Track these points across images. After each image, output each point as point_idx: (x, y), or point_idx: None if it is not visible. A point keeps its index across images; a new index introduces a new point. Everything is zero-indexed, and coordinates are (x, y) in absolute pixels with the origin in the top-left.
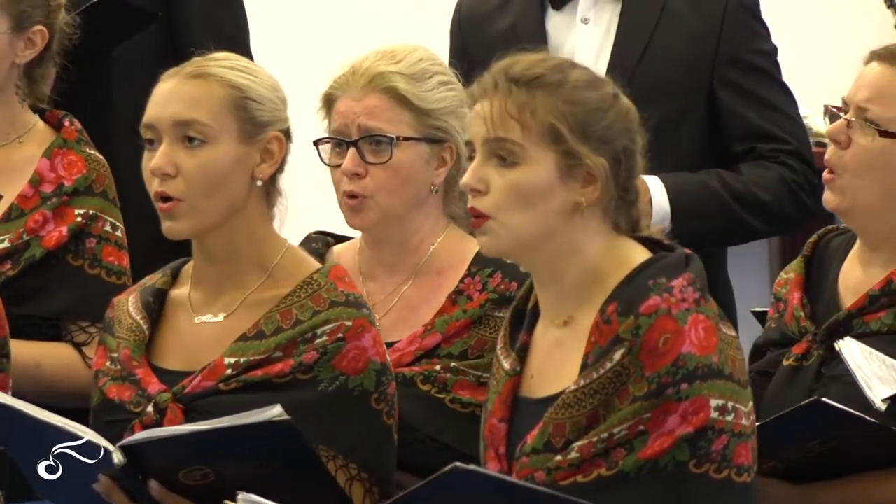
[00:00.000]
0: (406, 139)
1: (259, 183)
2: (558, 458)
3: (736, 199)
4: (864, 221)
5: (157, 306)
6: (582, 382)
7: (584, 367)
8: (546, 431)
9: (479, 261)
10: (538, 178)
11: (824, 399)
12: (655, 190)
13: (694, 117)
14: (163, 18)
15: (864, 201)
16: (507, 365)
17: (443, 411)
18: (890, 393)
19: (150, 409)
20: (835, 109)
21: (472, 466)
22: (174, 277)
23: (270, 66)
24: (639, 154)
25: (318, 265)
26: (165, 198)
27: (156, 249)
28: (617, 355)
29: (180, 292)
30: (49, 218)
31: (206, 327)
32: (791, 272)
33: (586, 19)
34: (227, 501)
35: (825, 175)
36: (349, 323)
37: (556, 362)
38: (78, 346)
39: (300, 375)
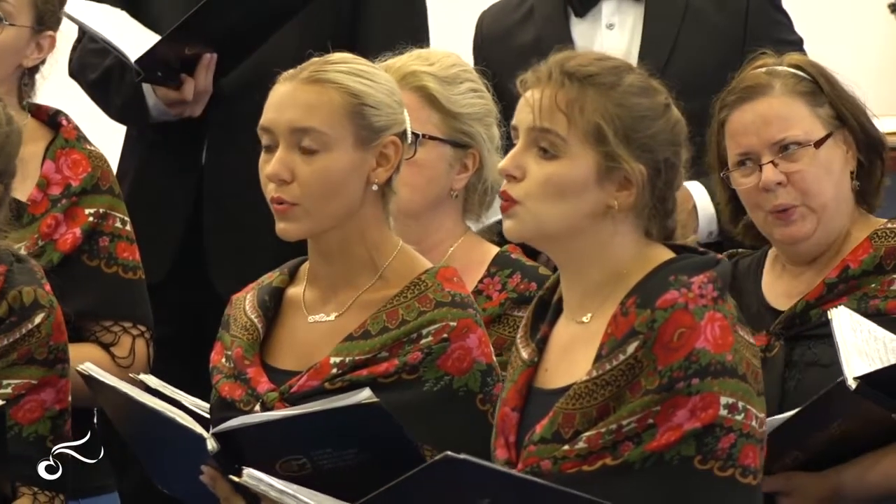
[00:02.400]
0: (431, 138)
1: (375, 187)
2: (565, 447)
3: None
4: (819, 237)
5: (273, 305)
6: (595, 373)
7: (598, 357)
8: (555, 421)
9: (498, 262)
10: (575, 174)
11: (842, 382)
12: (699, 196)
13: None
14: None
15: (828, 212)
16: (525, 355)
17: None
18: (865, 371)
19: (257, 407)
20: (735, 169)
21: (463, 456)
22: (291, 276)
23: None
24: (682, 168)
25: (428, 265)
26: (281, 201)
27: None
28: (631, 348)
29: (296, 291)
30: (61, 220)
31: (318, 326)
32: None
33: (611, 25)
34: (231, 476)
35: (779, 217)
36: (454, 323)
37: (572, 356)
38: (105, 346)
39: (405, 375)
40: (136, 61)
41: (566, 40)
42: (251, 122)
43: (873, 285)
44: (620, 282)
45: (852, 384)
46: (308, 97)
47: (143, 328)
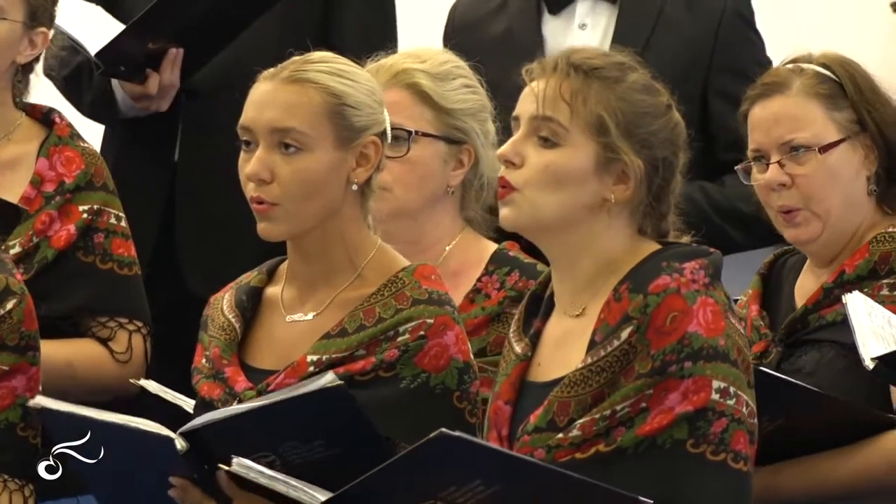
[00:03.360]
0: (424, 135)
1: (354, 187)
2: (560, 435)
3: (717, 212)
4: (827, 240)
5: (251, 305)
6: (589, 360)
7: (592, 344)
8: (550, 410)
9: (496, 260)
10: (575, 163)
11: (761, 368)
12: None
13: (689, 124)
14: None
15: (834, 217)
16: (518, 349)
17: None
18: (881, 352)
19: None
20: (752, 164)
21: (458, 433)
22: (270, 276)
23: None
24: (679, 170)
25: (406, 263)
26: (261, 201)
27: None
28: (625, 333)
29: (275, 290)
30: (55, 217)
31: (296, 326)
32: (749, 290)
33: (583, 25)
34: (221, 466)
35: (784, 217)
36: (431, 321)
37: (565, 350)
38: (103, 341)
39: (382, 373)
40: (97, 55)
41: (536, 36)
42: (226, 119)
43: (866, 290)
44: (613, 275)
45: (870, 364)
46: (288, 97)
47: (139, 324)
